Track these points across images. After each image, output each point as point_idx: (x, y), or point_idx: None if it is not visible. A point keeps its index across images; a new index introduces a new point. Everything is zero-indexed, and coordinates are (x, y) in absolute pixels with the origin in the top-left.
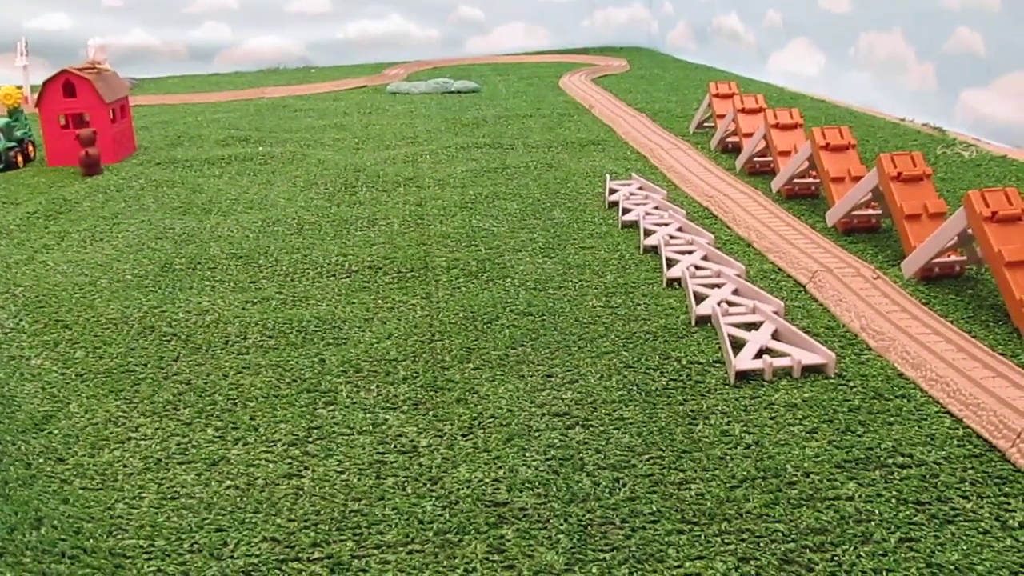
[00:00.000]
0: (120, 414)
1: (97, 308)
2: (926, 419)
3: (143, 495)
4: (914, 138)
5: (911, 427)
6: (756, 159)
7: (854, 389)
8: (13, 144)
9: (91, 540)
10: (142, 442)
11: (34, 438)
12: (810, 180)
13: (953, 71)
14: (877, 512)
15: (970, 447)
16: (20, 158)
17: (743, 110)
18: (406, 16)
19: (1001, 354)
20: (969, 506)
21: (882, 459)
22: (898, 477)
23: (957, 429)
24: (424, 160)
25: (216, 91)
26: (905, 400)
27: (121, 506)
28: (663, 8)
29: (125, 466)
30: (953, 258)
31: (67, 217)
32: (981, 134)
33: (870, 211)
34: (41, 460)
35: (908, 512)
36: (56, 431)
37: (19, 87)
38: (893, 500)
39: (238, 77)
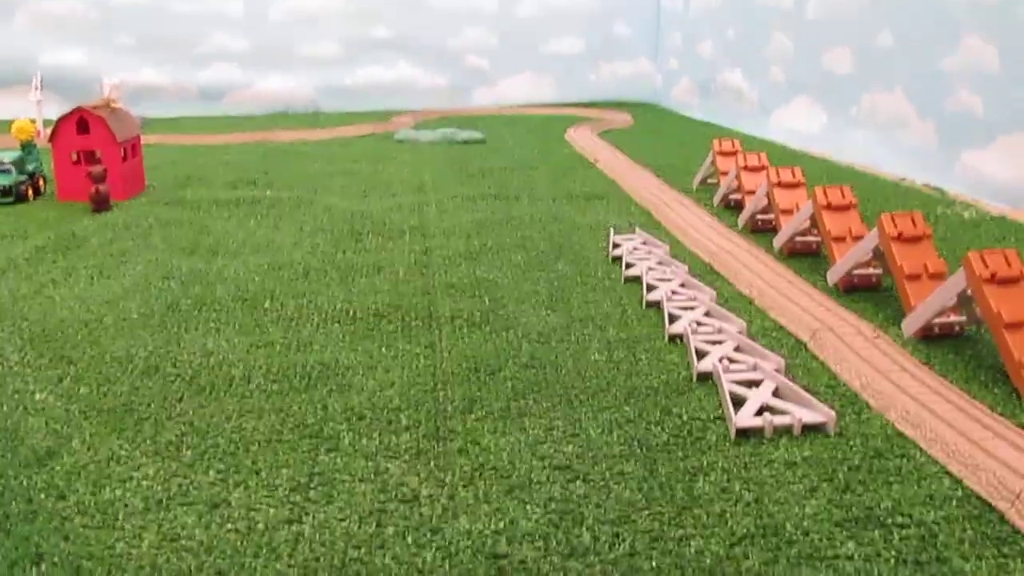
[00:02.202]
0: (123, 453)
1: (103, 345)
2: (925, 479)
3: (143, 535)
4: (915, 198)
5: (911, 487)
6: (758, 216)
7: (854, 448)
8: (24, 177)
9: None
10: (144, 482)
11: (36, 473)
12: (812, 238)
13: (953, 131)
14: (876, 572)
15: (969, 508)
16: (31, 191)
17: (746, 167)
18: (415, 64)
19: (1000, 415)
20: (968, 567)
21: (881, 519)
22: (897, 537)
23: (956, 489)
24: (430, 209)
25: (226, 132)
26: (905, 459)
27: (121, 545)
28: (668, 63)
29: (126, 505)
30: (953, 318)
31: (75, 253)
32: (981, 194)
33: (871, 270)
34: (43, 496)
35: (907, 572)
36: (58, 467)
37: (32, 121)
38: (892, 560)
39: (247, 120)
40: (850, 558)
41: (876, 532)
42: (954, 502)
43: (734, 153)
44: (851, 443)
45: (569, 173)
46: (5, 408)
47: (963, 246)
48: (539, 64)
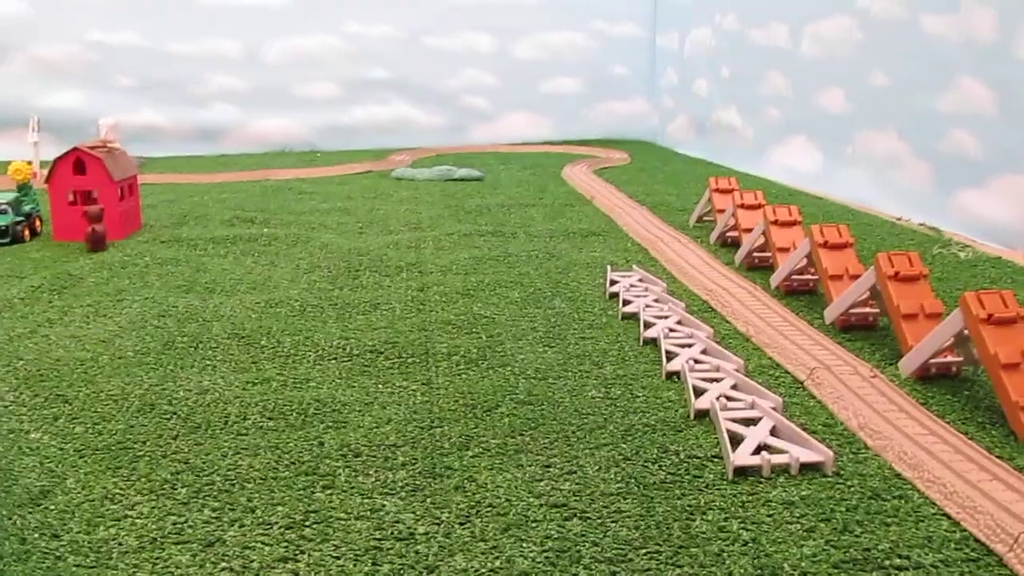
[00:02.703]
0: (117, 491)
1: (98, 384)
2: (923, 520)
3: (137, 574)
4: (911, 237)
5: (908, 528)
6: (755, 254)
7: (852, 488)
8: (21, 218)
9: None
10: (138, 520)
11: (30, 513)
12: (808, 277)
13: (948, 171)
14: None
15: (967, 551)
16: (27, 232)
17: (743, 205)
18: (412, 103)
19: (998, 457)
20: None
21: (879, 560)
22: None
23: (954, 532)
24: (427, 246)
25: (223, 171)
26: (902, 501)
27: None
28: (663, 102)
29: (120, 544)
30: (950, 358)
31: (71, 292)
32: (976, 234)
33: (868, 309)
34: (36, 535)
35: None
36: (52, 506)
37: (29, 162)
38: None
39: (245, 158)
40: None
41: (875, 574)
42: (952, 544)
43: (731, 191)
44: (849, 483)
45: (566, 210)
46: (0, 447)
47: (960, 286)
48: (536, 103)
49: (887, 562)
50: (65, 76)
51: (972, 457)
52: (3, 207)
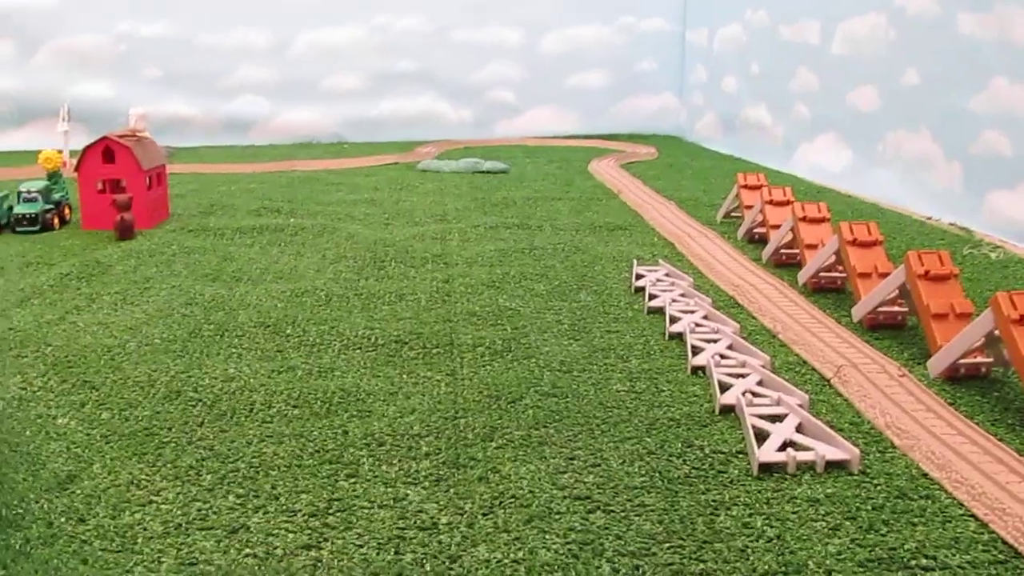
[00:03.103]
0: (143, 477)
1: (125, 371)
2: (950, 521)
3: (162, 559)
4: (941, 237)
5: (935, 529)
6: (783, 251)
7: (878, 487)
8: (50, 206)
9: None
10: (163, 506)
11: (57, 497)
12: (836, 274)
13: (980, 172)
14: None
15: (995, 552)
16: (56, 220)
17: (771, 202)
18: (439, 97)
19: None
20: None
21: (905, 560)
22: None
23: (982, 533)
24: (453, 238)
25: (250, 162)
26: (929, 501)
27: (140, 570)
28: (692, 98)
29: (145, 529)
30: (980, 359)
31: (99, 280)
32: (1007, 236)
33: (896, 308)
34: (63, 520)
35: None
36: (79, 491)
37: (59, 151)
38: None
39: (272, 149)
40: None
41: (900, 574)
42: (980, 546)
43: (759, 187)
44: (875, 482)
45: (592, 204)
46: (28, 432)
47: (990, 287)
48: (563, 97)
49: (913, 562)
50: (94, 66)
51: (1001, 459)
52: (33, 195)
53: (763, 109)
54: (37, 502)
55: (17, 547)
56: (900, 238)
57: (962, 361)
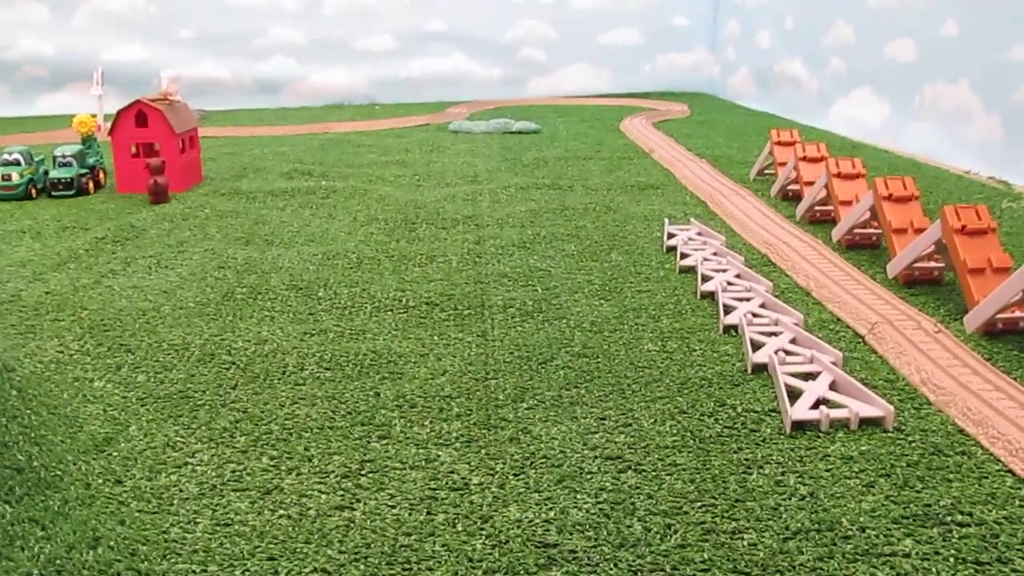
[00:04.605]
0: (178, 439)
1: (160, 334)
2: (987, 477)
3: (198, 520)
4: (979, 191)
5: (971, 485)
6: (817, 208)
7: (913, 444)
8: (85, 171)
9: (146, 563)
10: (198, 468)
11: (94, 459)
12: (871, 230)
13: (1020, 124)
14: (935, 571)
15: None
16: (91, 184)
17: (805, 158)
18: (470, 56)
19: None
20: None
21: (941, 516)
22: (957, 536)
23: (1020, 489)
24: (483, 199)
25: (282, 124)
26: (965, 457)
27: (176, 530)
28: (725, 53)
29: (181, 491)
30: (1017, 314)
31: (134, 243)
32: None
33: (933, 263)
34: (100, 481)
35: (967, 572)
36: (116, 453)
37: (93, 115)
38: (951, 559)
39: (304, 111)
40: (907, 556)
41: (935, 530)
42: (1017, 502)
43: (792, 143)
44: (910, 439)
45: (624, 163)
46: (65, 395)
47: None
48: (595, 55)
49: (948, 518)
50: (128, 29)
51: None
52: (68, 159)
53: (798, 63)
54: (75, 464)
55: (55, 508)
56: (937, 193)
57: (1000, 316)
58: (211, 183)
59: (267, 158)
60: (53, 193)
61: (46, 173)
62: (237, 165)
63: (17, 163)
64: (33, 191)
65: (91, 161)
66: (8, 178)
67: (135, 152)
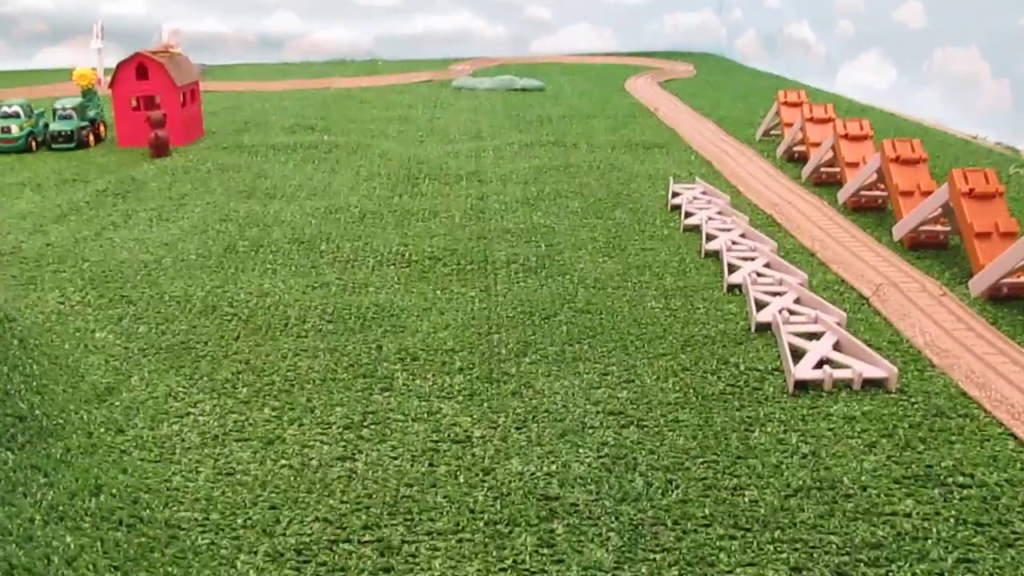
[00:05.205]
0: (180, 390)
1: (161, 286)
2: (989, 440)
3: (200, 469)
4: (986, 156)
5: (973, 447)
6: (823, 169)
7: (915, 405)
8: (85, 124)
9: (148, 510)
10: (200, 418)
11: (96, 409)
12: (878, 193)
13: None
14: (935, 531)
15: None
16: (92, 137)
17: (812, 119)
18: (474, 13)
19: None
20: None
21: (942, 477)
22: (958, 496)
23: (1021, 452)
24: (487, 155)
25: (284, 79)
26: (968, 419)
27: (178, 479)
28: (733, 14)
29: (183, 440)
30: (1023, 279)
31: (135, 196)
32: None
33: (939, 227)
34: (102, 430)
35: (967, 533)
36: (118, 403)
37: (93, 69)
38: (952, 519)
39: (306, 67)
40: (908, 515)
41: (936, 491)
42: (1018, 464)
43: (799, 104)
44: (913, 400)
45: (629, 122)
46: (67, 346)
47: None
48: (601, 14)
49: (949, 479)
50: None
51: None
52: (68, 112)
53: (806, 26)
54: (77, 413)
55: (58, 456)
56: (944, 157)
57: (1005, 281)
58: (212, 137)
59: (269, 113)
60: (53, 146)
61: (46, 126)
62: (239, 120)
63: (16, 115)
64: (33, 144)
65: (91, 114)
66: (7, 130)
67: (136, 105)
